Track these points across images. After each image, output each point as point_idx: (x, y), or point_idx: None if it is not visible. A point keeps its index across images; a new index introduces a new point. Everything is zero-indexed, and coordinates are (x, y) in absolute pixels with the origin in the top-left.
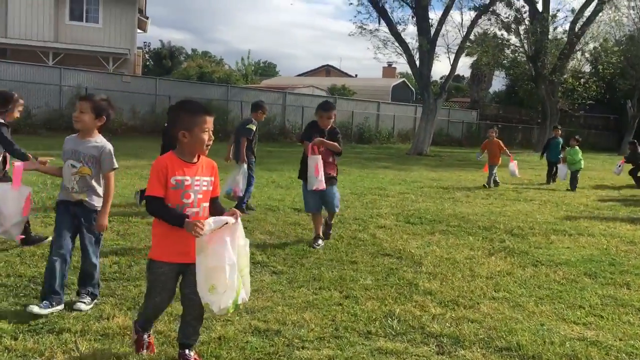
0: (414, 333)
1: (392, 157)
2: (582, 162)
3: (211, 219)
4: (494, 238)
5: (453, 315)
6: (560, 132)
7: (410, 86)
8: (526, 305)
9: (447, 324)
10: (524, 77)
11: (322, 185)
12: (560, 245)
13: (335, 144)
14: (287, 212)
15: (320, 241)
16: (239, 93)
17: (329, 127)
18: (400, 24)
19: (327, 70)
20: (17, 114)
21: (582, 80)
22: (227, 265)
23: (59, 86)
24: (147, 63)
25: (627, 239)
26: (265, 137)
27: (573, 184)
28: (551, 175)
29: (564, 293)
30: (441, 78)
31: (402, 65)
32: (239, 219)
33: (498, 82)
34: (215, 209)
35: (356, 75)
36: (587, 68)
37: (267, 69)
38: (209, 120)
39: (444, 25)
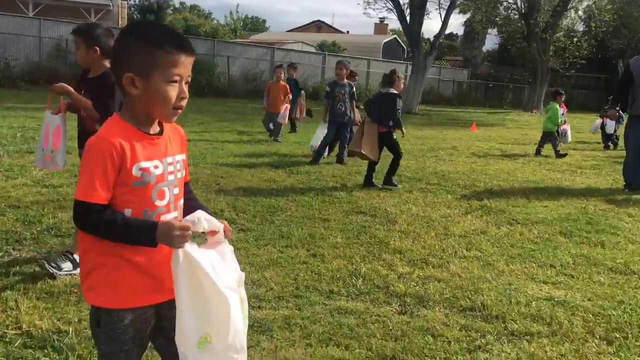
0: (377, 292)
1: None
2: (556, 121)
3: (200, 213)
4: (473, 196)
5: (420, 274)
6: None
7: (402, 43)
8: (496, 264)
9: (413, 284)
10: (517, 36)
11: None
12: (538, 204)
13: None
14: (264, 168)
15: None
16: (226, 48)
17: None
18: None
19: (318, 26)
20: None
21: (574, 39)
22: (233, 295)
23: (38, 37)
24: (135, 16)
25: (606, 199)
26: (254, 94)
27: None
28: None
29: (536, 252)
30: (435, 36)
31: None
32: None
33: (491, 41)
34: (190, 204)
35: (348, 32)
36: (580, 26)
37: (256, 24)
38: (183, 62)
39: None
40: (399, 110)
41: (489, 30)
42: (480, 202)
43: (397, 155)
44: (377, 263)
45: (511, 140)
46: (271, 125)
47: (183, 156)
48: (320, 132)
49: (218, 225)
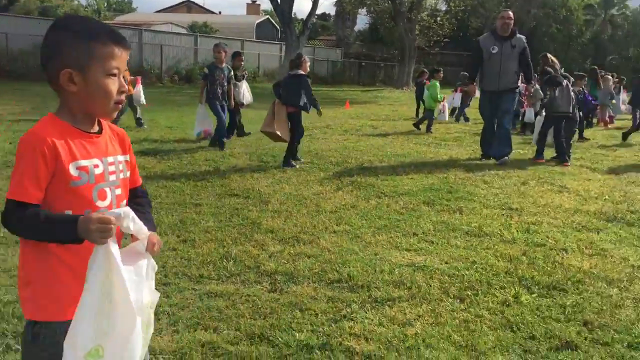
0: (248, 273)
1: (257, 96)
2: (436, 97)
3: (128, 210)
4: (344, 173)
5: (292, 251)
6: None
7: (275, 24)
8: (364, 236)
9: (284, 261)
10: (385, 15)
11: None
12: (405, 177)
13: None
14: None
15: None
16: None
17: None
18: None
19: (189, 6)
20: None
21: (437, 18)
22: (138, 314)
23: None
24: None
25: (465, 168)
26: None
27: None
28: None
29: (401, 222)
30: (307, 16)
31: (266, 3)
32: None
33: (362, 21)
34: (136, 209)
35: (220, 13)
36: (442, 6)
37: (121, 5)
38: (120, 55)
39: None
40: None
41: (359, 10)
42: (351, 177)
43: (298, 135)
44: (249, 244)
45: (382, 116)
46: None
47: (127, 157)
48: (202, 117)
49: (144, 232)
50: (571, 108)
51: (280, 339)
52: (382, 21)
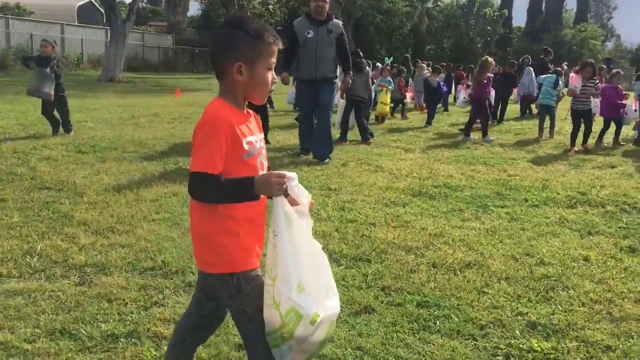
0: (54, 268)
1: (81, 84)
2: None
3: (294, 175)
4: (169, 160)
5: (105, 242)
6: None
7: (99, 7)
8: (184, 223)
9: (96, 253)
10: (216, 2)
11: None
12: None
13: None
14: None
15: None
16: None
17: None
18: None
19: None
20: None
21: (269, 6)
22: (321, 253)
23: None
24: None
25: (289, 154)
26: None
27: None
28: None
29: None
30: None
31: None
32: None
33: (194, 7)
34: None
35: None
36: None
37: None
38: (277, 51)
39: None
40: None
41: None
42: (176, 165)
43: None
44: (58, 238)
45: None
46: None
47: (262, 134)
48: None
49: (305, 194)
50: (366, 94)
51: (83, 332)
52: (213, 7)
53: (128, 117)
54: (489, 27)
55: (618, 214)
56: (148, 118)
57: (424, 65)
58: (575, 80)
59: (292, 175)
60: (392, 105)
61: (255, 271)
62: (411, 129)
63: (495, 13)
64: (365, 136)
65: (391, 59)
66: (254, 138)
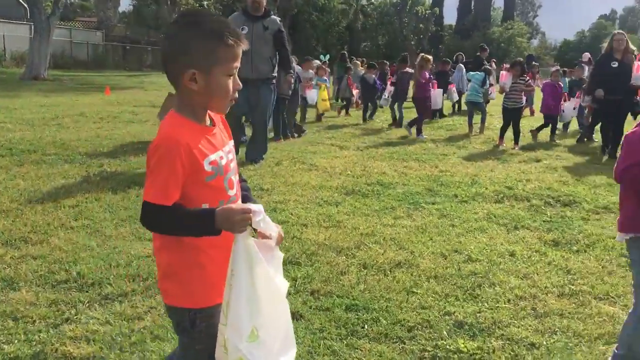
0: None
1: (2, 82)
2: None
3: (261, 208)
4: (93, 163)
5: (15, 254)
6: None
7: (23, 2)
8: (105, 230)
9: (4, 266)
10: None
11: None
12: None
13: None
14: None
15: None
16: None
17: None
18: None
19: None
20: None
21: (204, 2)
22: (284, 300)
23: None
24: None
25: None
26: None
27: None
28: None
29: None
30: None
31: None
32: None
33: (126, 2)
34: (250, 198)
35: None
36: None
37: None
38: (240, 54)
39: None
40: None
41: None
42: (100, 168)
43: None
44: None
45: (146, 102)
46: None
47: (232, 142)
48: None
49: (274, 229)
50: (290, 92)
51: None
52: (145, 3)
53: (51, 117)
54: (421, 25)
55: (542, 207)
56: (73, 118)
57: (358, 62)
58: (505, 77)
59: (257, 209)
60: (344, 103)
61: (217, 307)
62: (346, 125)
63: (427, 11)
64: (279, 134)
65: (327, 56)
66: (218, 155)
